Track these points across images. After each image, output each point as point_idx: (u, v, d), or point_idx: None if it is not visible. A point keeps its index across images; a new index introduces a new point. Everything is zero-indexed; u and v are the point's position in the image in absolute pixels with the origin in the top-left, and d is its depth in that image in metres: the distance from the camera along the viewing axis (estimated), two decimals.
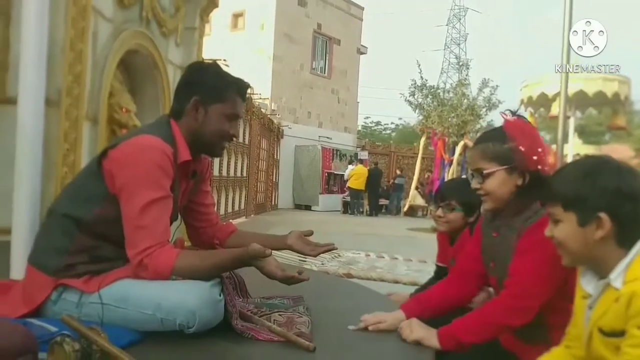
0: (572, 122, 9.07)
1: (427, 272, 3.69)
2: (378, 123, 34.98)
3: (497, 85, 14.35)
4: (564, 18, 5.36)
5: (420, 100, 14.56)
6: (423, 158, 14.54)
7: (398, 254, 6.37)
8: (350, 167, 14.41)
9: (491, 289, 1.60)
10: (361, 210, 14.21)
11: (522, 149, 1.30)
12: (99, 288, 1.23)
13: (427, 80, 14.50)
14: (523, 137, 1.32)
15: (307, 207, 14.83)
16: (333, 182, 15.53)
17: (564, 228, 1.06)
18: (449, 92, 15.18)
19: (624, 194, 1.01)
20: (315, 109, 16.71)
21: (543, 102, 10.15)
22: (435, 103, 13.96)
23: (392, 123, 35.87)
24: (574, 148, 10.04)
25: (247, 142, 10.33)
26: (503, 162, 1.32)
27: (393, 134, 34.20)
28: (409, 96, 14.94)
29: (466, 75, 16.94)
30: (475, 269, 1.49)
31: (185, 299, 1.19)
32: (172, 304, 1.19)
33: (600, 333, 1.03)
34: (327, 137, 16.64)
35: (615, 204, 1.01)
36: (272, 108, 13.89)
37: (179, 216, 1.57)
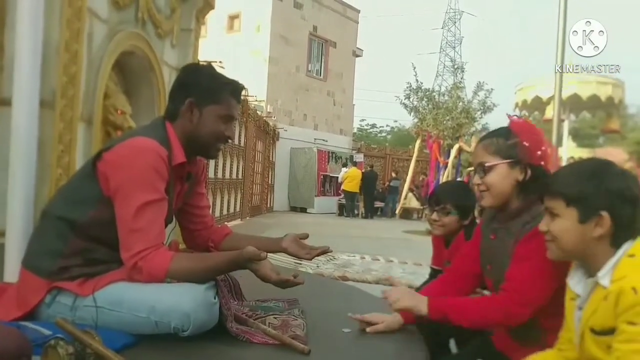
0: (566, 125, 9.14)
1: (422, 274, 3.70)
2: (374, 126, 35.06)
3: (492, 89, 14.42)
4: (559, 22, 5.40)
5: (415, 103, 14.61)
6: (418, 161, 14.57)
7: (393, 257, 6.38)
8: (344, 169, 14.43)
9: (485, 292, 1.61)
10: (356, 212, 14.22)
11: (527, 144, 1.32)
12: (94, 291, 1.22)
13: (422, 83, 14.56)
14: (528, 134, 1.35)
15: (303, 210, 14.82)
16: (328, 185, 15.53)
17: (563, 223, 1.09)
18: (444, 95, 15.24)
19: (626, 196, 1.05)
20: (311, 111, 16.72)
21: (537, 105, 10.21)
22: (430, 106, 14.00)
23: (387, 126, 35.96)
24: (568, 151, 10.11)
25: (242, 144, 10.32)
26: (505, 156, 1.34)
27: (388, 137, 34.25)
28: (405, 99, 14.99)
29: (461, 78, 17.02)
30: (471, 270, 1.50)
31: (180, 301, 1.19)
32: (166, 307, 1.19)
33: (591, 332, 1.05)
34: (323, 140, 16.65)
35: (617, 205, 1.04)
36: (268, 110, 13.89)
37: (174, 219, 1.56)
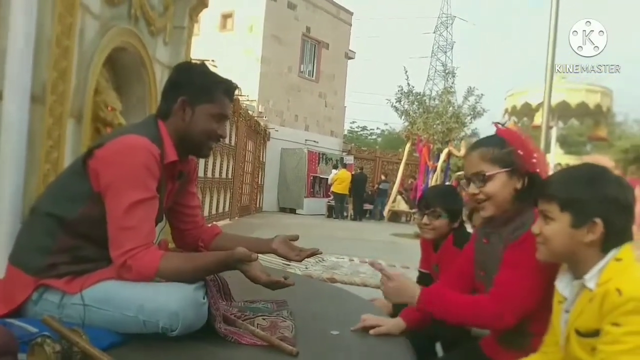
0: (554, 132, 9.24)
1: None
2: (364, 128, 35.12)
3: (482, 94, 14.53)
4: (549, 29, 5.46)
5: (406, 106, 14.67)
6: (407, 164, 14.63)
7: (381, 259, 6.39)
8: (334, 171, 14.44)
9: None
10: (345, 214, 14.24)
11: (521, 153, 1.34)
12: (81, 289, 1.21)
13: (413, 87, 14.63)
14: (519, 142, 1.36)
15: (292, 211, 14.80)
16: (318, 186, 15.53)
17: (555, 226, 1.10)
18: (434, 99, 15.33)
19: (621, 204, 1.06)
20: (303, 112, 16.72)
21: (527, 111, 10.32)
22: (421, 110, 14.07)
23: (378, 128, 36.03)
24: (556, 158, 10.22)
25: (233, 143, 10.28)
26: (504, 164, 1.34)
27: (379, 140, 34.36)
28: (395, 102, 15.05)
29: (452, 83, 17.12)
30: (470, 272, 1.52)
31: (169, 301, 1.18)
32: (155, 306, 1.18)
33: (577, 334, 1.06)
34: (314, 141, 16.65)
35: (611, 212, 1.05)
36: (260, 110, 13.86)
37: (164, 217, 1.55)
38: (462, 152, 12.16)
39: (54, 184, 1.42)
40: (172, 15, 3.45)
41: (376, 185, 15.99)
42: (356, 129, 33.97)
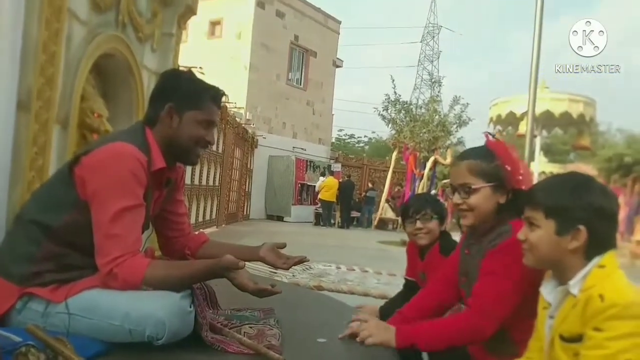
0: (538, 141, 9.37)
1: (396, 285, 3.72)
2: (352, 136, 35.23)
3: (467, 103, 14.77)
4: (533, 39, 5.56)
5: (393, 115, 14.84)
6: (394, 172, 14.73)
7: (368, 267, 6.41)
8: (321, 178, 14.46)
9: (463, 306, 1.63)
10: (332, 222, 14.24)
11: (508, 168, 1.36)
12: (66, 297, 1.20)
13: (400, 96, 14.79)
14: (508, 157, 1.38)
15: (279, 218, 14.76)
16: (306, 193, 15.52)
17: (540, 233, 1.12)
18: (421, 108, 15.51)
19: (605, 212, 1.08)
20: (290, 119, 16.73)
21: (511, 120, 10.45)
22: (407, 118, 14.24)
23: (365, 136, 36.14)
24: (540, 166, 10.35)
25: (220, 150, 10.25)
26: (490, 179, 1.36)
27: (366, 147, 34.47)
28: (383, 111, 15.20)
29: (438, 92, 17.37)
30: (454, 281, 1.53)
31: (155, 309, 1.18)
32: (141, 315, 1.17)
33: (560, 340, 1.08)
34: (301, 148, 16.66)
35: (595, 220, 1.07)
36: (247, 117, 13.84)
37: (150, 225, 1.55)
38: (448, 160, 12.30)
39: (39, 191, 1.41)
40: (160, 22, 3.44)
41: (363, 193, 16.04)
42: (344, 137, 34.08)
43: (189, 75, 1.50)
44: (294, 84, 17.07)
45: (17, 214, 1.35)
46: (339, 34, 18.89)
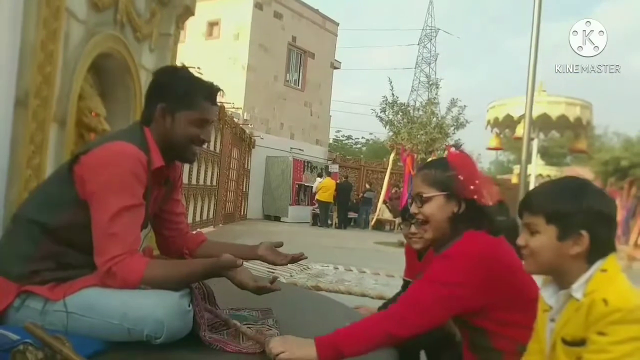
0: (535, 144, 9.38)
1: (394, 285, 3.72)
2: (349, 137, 35.26)
3: (465, 105, 14.78)
4: (531, 43, 5.58)
5: (390, 116, 14.84)
6: (392, 173, 14.75)
7: (366, 268, 6.41)
8: (318, 179, 14.46)
9: None
10: (330, 222, 14.24)
11: (461, 178, 1.36)
12: (65, 296, 1.20)
13: (397, 98, 14.80)
14: (463, 168, 1.38)
15: (277, 218, 14.75)
16: (303, 194, 15.52)
17: (541, 239, 1.12)
18: (418, 110, 15.53)
19: (605, 216, 1.09)
20: (288, 120, 16.73)
21: (508, 123, 10.45)
22: (405, 120, 14.25)
23: (362, 138, 36.18)
24: (537, 169, 10.38)
25: (218, 150, 10.24)
26: (442, 188, 1.37)
27: (363, 149, 34.50)
28: (380, 112, 15.20)
29: (436, 94, 17.38)
30: None
31: (154, 309, 1.18)
32: (139, 314, 1.17)
33: (562, 343, 1.08)
34: (299, 149, 16.66)
35: (596, 224, 1.07)
36: (245, 118, 13.83)
37: (149, 224, 1.54)
38: None
39: (38, 190, 1.40)
40: (158, 22, 3.44)
41: (361, 194, 16.05)
42: (341, 138, 34.12)
43: (181, 73, 1.46)
44: (292, 85, 17.07)
45: (15, 212, 1.34)
46: (336, 35, 18.91)
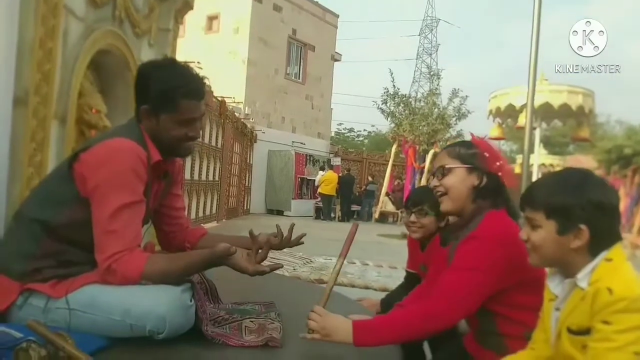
0: (537, 133, 9.35)
1: (397, 277, 3.73)
2: (351, 130, 35.20)
3: (466, 96, 14.71)
4: (532, 32, 5.54)
5: (392, 108, 14.78)
6: (394, 165, 14.73)
7: (369, 260, 6.42)
8: (321, 173, 14.45)
9: None
10: (332, 215, 14.25)
11: (487, 155, 1.39)
12: (66, 293, 1.20)
13: (399, 89, 14.74)
14: (489, 148, 1.42)
15: (280, 212, 14.77)
16: (305, 188, 15.52)
17: (542, 234, 1.12)
18: (420, 101, 15.46)
19: (605, 208, 1.08)
20: (289, 114, 16.70)
21: (510, 113, 10.42)
22: (406, 111, 14.19)
23: (364, 130, 36.18)
24: (539, 158, 10.35)
25: (219, 145, 10.24)
26: (465, 161, 1.40)
27: (365, 141, 34.46)
28: (382, 104, 15.14)
29: (437, 85, 17.28)
30: None
31: (156, 304, 1.18)
32: (142, 310, 1.18)
33: (568, 332, 1.08)
34: (301, 143, 16.64)
35: (595, 217, 1.07)
36: (246, 112, 13.81)
37: (149, 220, 1.54)
38: None
39: (39, 188, 1.40)
40: (157, 17, 3.42)
41: (363, 187, 16.05)
42: (343, 131, 34.05)
43: (159, 71, 1.38)
44: (293, 78, 17.02)
45: (17, 210, 1.34)
46: (337, 27, 18.82)
